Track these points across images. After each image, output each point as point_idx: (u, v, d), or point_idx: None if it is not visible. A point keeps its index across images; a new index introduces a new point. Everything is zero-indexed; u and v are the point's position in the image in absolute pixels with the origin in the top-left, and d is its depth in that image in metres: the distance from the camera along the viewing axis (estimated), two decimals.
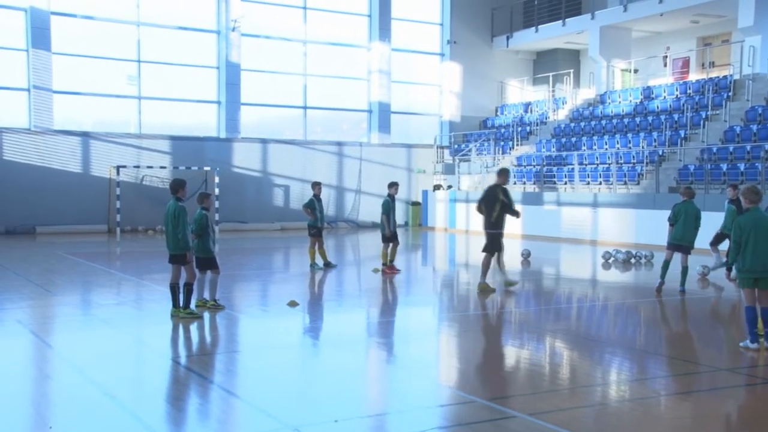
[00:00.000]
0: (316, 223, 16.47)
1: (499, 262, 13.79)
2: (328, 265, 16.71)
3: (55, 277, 15.46)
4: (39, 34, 27.02)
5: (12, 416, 6.61)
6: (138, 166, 28.46)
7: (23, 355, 9.09)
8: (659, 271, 13.33)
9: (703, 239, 15.27)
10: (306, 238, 17.13)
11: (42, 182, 27.01)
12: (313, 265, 16.55)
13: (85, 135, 28.04)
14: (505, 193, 13.48)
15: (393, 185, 16.25)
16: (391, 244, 16.00)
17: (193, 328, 10.40)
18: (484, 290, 13.36)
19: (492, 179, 29.62)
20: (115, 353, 9.02)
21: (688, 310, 12.42)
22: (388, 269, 15.94)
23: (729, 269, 9.25)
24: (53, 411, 6.89)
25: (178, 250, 10.69)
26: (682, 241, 13.01)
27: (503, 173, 13.83)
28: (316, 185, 16.96)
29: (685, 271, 13.18)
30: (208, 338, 10.16)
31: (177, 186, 10.80)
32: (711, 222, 15.44)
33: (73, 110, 28.60)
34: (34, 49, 27.00)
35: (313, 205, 16.51)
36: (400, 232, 17.02)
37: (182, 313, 10.77)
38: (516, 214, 13.65)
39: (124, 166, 28.08)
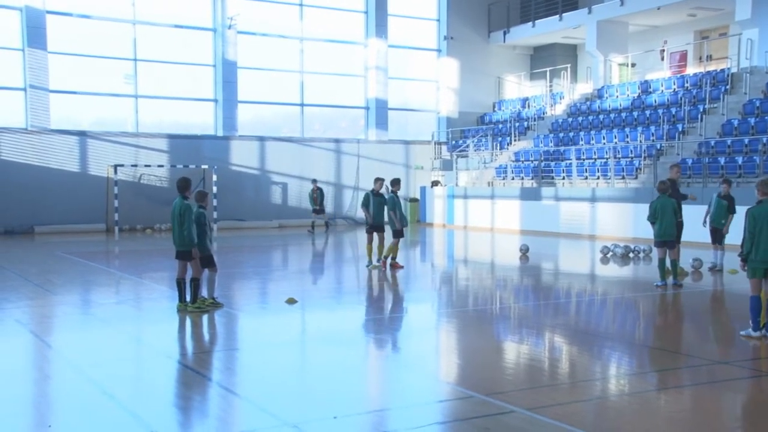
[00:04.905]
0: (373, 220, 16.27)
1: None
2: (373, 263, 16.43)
3: (54, 276, 15.45)
4: (35, 34, 26.98)
5: (11, 416, 6.60)
6: (136, 165, 28.46)
7: (22, 355, 9.08)
8: (658, 272, 13.39)
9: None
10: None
11: (40, 182, 26.99)
12: (383, 258, 16.18)
13: (82, 134, 28.02)
14: (675, 186, 14.47)
15: (395, 183, 16.36)
16: (393, 240, 16.08)
17: (192, 325, 10.41)
18: (681, 273, 14.00)
19: (490, 175, 29.81)
20: (114, 352, 9.02)
21: (686, 303, 12.44)
22: (392, 264, 15.97)
23: (744, 260, 9.31)
24: (52, 410, 6.89)
25: (184, 246, 10.95)
26: (664, 236, 13.05)
27: (675, 167, 14.93)
28: (378, 181, 16.61)
29: (674, 264, 13.26)
30: (206, 336, 10.16)
31: (185, 185, 11.07)
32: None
33: (70, 109, 28.58)
34: (30, 49, 26.97)
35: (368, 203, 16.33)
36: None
37: (190, 307, 11.04)
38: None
39: (122, 165, 28.07)
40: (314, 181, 28.32)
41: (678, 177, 14.99)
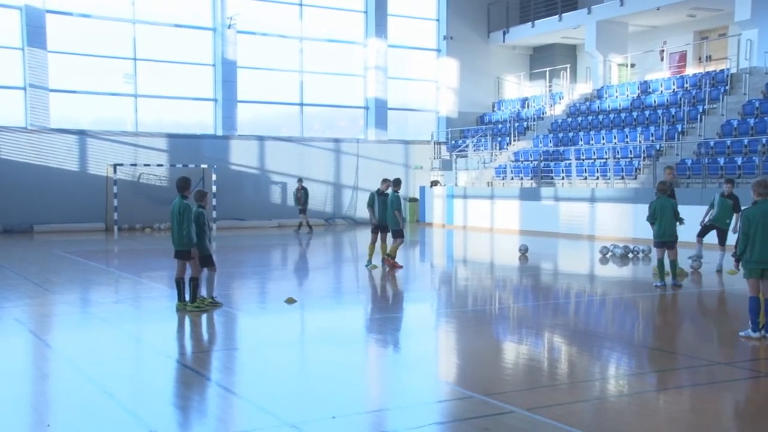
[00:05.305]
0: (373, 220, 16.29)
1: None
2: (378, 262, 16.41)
3: (53, 275, 15.45)
4: (34, 33, 26.98)
5: (10, 415, 6.60)
6: (135, 164, 28.46)
7: (21, 354, 9.08)
8: (657, 272, 13.42)
9: (693, 234, 15.38)
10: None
11: (39, 181, 26.99)
12: (388, 256, 16.13)
13: (81, 133, 28.02)
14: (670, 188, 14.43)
15: (398, 183, 16.39)
16: (396, 240, 16.08)
17: (192, 325, 10.41)
18: (681, 274, 14.07)
19: (489, 175, 29.79)
20: (114, 351, 9.01)
21: (685, 303, 12.44)
22: (390, 263, 15.98)
23: (738, 260, 9.37)
24: (51, 409, 6.88)
25: (183, 246, 10.98)
26: (663, 237, 13.08)
27: (668, 169, 15.18)
28: (385, 182, 16.51)
29: (673, 264, 13.28)
30: (205, 336, 10.15)
31: (184, 184, 11.09)
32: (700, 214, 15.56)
33: (70, 108, 28.57)
34: (29, 48, 26.97)
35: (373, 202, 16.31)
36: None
37: (190, 306, 11.05)
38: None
39: (121, 164, 28.07)
40: (299, 180, 28.38)
41: (672, 179, 15.00)
